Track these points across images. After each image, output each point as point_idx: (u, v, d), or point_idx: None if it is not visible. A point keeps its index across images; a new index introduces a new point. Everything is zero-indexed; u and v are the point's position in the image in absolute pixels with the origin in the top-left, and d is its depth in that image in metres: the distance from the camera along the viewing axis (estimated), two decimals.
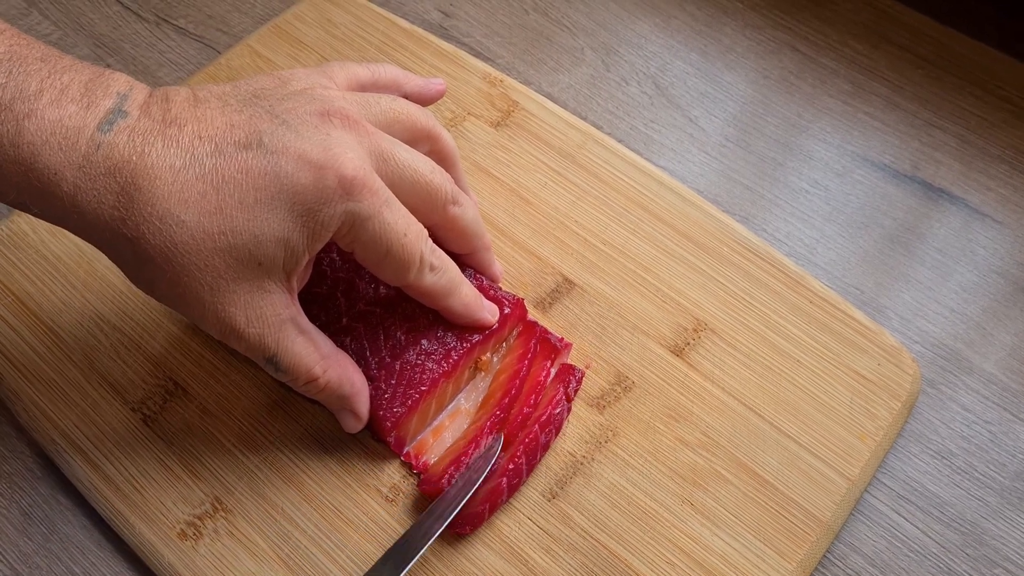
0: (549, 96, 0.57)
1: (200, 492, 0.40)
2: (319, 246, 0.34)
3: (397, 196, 0.36)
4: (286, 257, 0.33)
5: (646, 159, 0.52)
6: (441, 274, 0.38)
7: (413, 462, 0.41)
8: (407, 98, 0.41)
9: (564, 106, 0.56)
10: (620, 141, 0.54)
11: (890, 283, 0.50)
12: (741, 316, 0.46)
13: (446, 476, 0.39)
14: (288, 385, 0.38)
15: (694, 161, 0.55)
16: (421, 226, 0.36)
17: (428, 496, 0.39)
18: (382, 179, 0.35)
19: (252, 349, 0.35)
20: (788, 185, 0.54)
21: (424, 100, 0.42)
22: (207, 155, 0.32)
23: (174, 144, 0.32)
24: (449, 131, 0.50)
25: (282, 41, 0.57)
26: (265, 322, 0.34)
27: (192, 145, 0.32)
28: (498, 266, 0.45)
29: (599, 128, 0.55)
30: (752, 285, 0.47)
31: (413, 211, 0.36)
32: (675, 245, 0.48)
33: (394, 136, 0.37)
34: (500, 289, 0.43)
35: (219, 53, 0.59)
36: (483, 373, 0.43)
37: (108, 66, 0.57)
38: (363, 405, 0.38)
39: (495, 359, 0.43)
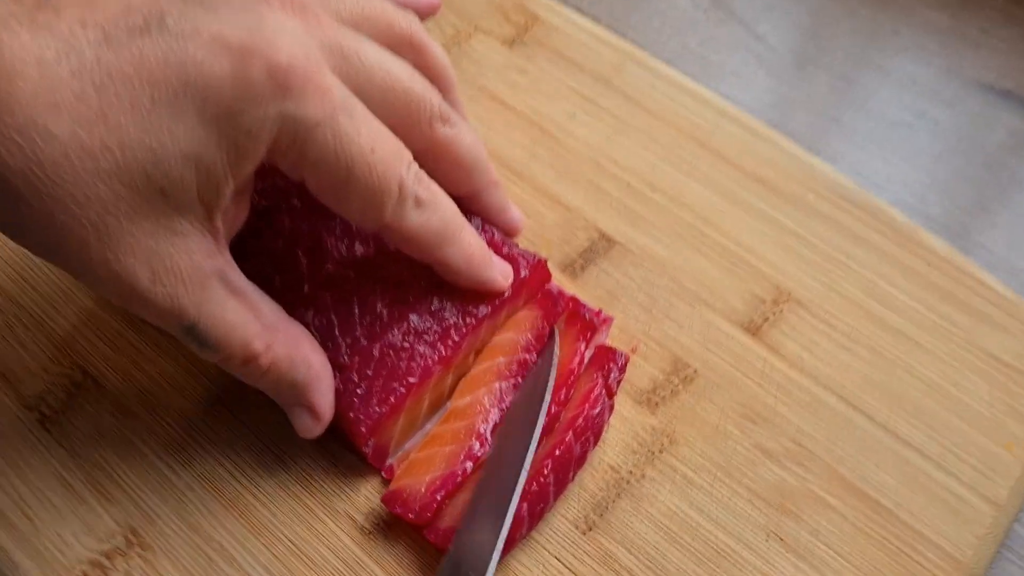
0: (577, 8, 0.49)
1: (111, 521, 0.33)
2: (247, 167, 0.28)
3: None
4: (201, 183, 0.28)
5: (701, 85, 0.45)
6: (432, 211, 0.31)
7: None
8: None
9: (596, 20, 0.48)
10: (668, 63, 0.46)
11: None
12: (836, 283, 0.39)
13: (432, 494, 0.31)
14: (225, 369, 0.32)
15: (762, 87, 0.48)
16: (400, 143, 0.30)
17: (403, 520, 0.32)
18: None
19: (164, 315, 0.29)
20: (885, 117, 0.47)
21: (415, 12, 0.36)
22: (90, 44, 0.27)
23: (46, 32, 0.27)
24: (450, 52, 0.45)
25: None
26: (179, 277, 0.28)
27: (71, 32, 0.27)
28: (515, 211, 0.37)
29: (641, 48, 0.47)
30: (849, 242, 0.40)
31: None
32: (744, 191, 0.41)
33: None
34: (516, 245, 0.36)
35: None
36: None
37: None
38: (322, 397, 0.32)
39: None
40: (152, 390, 0.36)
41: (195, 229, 0.28)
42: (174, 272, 0.28)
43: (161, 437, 0.35)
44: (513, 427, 0.32)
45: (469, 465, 0.32)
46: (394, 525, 0.33)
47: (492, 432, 0.33)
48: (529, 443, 0.31)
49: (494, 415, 0.33)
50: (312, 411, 0.32)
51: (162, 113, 0.27)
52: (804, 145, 0.44)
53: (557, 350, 0.34)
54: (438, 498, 0.31)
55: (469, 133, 0.34)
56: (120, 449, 0.35)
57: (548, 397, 0.33)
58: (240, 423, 0.35)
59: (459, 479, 0.32)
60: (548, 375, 0.33)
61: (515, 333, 0.35)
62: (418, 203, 0.31)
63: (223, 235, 0.29)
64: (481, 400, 0.33)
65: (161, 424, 0.35)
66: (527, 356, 0.33)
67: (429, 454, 0.33)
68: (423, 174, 0.31)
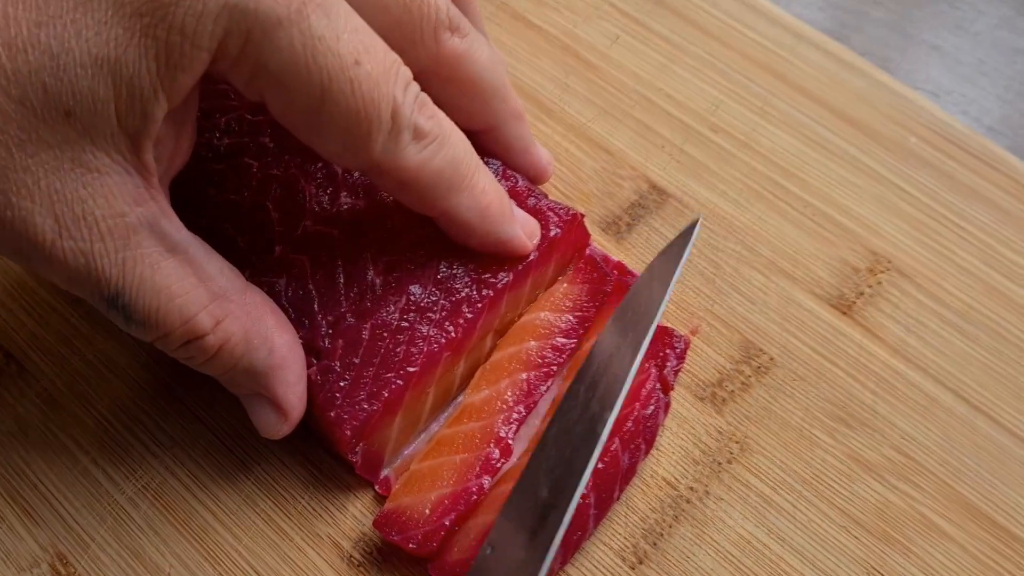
0: None
1: (34, 544, 0.29)
2: (185, 79, 0.24)
3: None
4: (120, 100, 0.23)
5: (773, 3, 0.40)
6: (436, 147, 0.26)
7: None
8: None
9: None
10: None
11: None
12: (946, 248, 0.34)
13: (438, 518, 0.27)
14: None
15: (844, 6, 0.44)
16: (394, 55, 0.25)
17: (402, 549, 0.27)
18: None
19: (77, 279, 0.25)
20: (996, 44, 0.42)
21: None
22: None
23: None
24: None
25: None
26: (94, 228, 0.24)
27: None
28: (542, 151, 0.32)
29: None
30: (961, 198, 0.35)
31: None
32: (829, 133, 0.37)
33: None
34: (545, 196, 0.31)
35: None
36: None
37: None
38: (289, 388, 0.28)
39: None
40: (87, 376, 0.32)
41: (115, 165, 0.24)
42: (87, 221, 0.23)
43: (98, 436, 0.31)
44: (568, 421, 0.26)
45: (487, 480, 0.27)
46: (390, 555, 0.28)
47: (516, 434, 0.28)
48: (593, 446, 0.25)
49: (519, 414, 0.27)
50: (275, 405, 0.27)
51: (65, 4, 0.22)
52: (899, 77, 0.39)
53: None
54: (446, 523, 0.26)
55: (486, 48, 0.29)
56: (47, 451, 0.31)
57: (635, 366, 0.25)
58: (196, 419, 0.31)
59: (474, 498, 0.27)
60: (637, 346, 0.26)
61: (552, 312, 0.29)
62: (418, 135, 0.25)
63: (156, 174, 0.24)
64: (503, 395, 0.28)
65: (98, 419, 0.31)
66: (565, 342, 0.27)
67: (435, 464, 0.28)
68: (426, 98, 0.26)
